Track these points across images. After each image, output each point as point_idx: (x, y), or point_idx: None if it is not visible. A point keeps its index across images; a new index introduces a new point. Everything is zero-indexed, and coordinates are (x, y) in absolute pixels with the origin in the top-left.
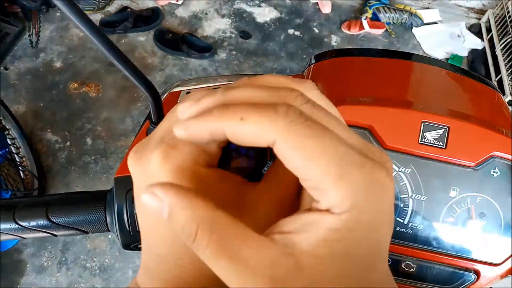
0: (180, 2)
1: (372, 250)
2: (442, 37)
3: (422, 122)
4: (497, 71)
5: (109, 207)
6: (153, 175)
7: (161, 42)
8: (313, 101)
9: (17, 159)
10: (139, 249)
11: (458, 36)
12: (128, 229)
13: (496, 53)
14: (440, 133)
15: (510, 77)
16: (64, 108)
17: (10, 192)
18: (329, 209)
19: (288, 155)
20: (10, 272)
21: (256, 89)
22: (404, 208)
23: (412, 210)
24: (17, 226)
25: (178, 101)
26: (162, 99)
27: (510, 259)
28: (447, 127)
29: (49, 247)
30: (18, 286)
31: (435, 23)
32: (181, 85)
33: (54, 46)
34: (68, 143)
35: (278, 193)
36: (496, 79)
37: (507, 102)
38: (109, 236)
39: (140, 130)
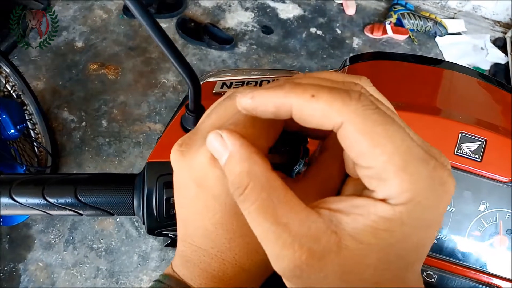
0: None
1: (416, 249)
2: (465, 49)
3: (460, 133)
4: None
5: (138, 190)
6: (199, 171)
7: (182, 30)
8: (374, 94)
9: (33, 135)
10: (163, 235)
11: (482, 48)
12: (155, 214)
13: None
14: (477, 145)
15: None
16: (82, 88)
17: (24, 167)
18: (386, 199)
19: (355, 139)
20: (18, 246)
21: (322, 80)
22: None
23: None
24: (45, 202)
25: (214, 91)
26: None
27: None
28: (485, 140)
29: (58, 225)
30: (25, 260)
31: (459, 33)
32: (215, 76)
33: (77, 25)
34: (83, 123)
35: (321, 188)
36: None
37: None
38: (117, 219)
39: (173, 117)
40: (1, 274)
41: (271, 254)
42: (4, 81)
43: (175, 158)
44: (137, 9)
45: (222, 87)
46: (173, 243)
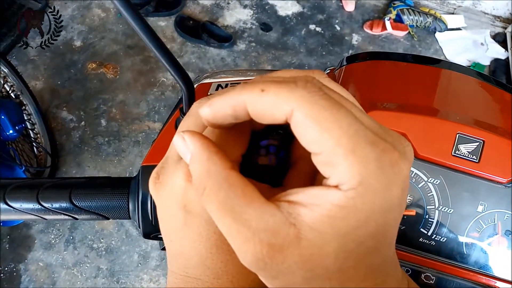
0: None
1: (376, 234)
2: (465, 44)
3: (457, 134)
4: None
5: (133, 194)
6: (182, 196)
7: (181, 28)
8: (328, 85)
9: (32, 135)
10: (159, 238)
11: (482, 44)
12: (150, 218)
13: None
14: (475, 146)
15: None
16: (81, 87)
17: (23, 168)
18: (338, 185)
19: (304, 126)
20: (18, 246)
21: (274, 77)
22: (430, 220)
23: (437, 222)
24: (40, 207)
25: (209, 93)
26: None
27: None
28: (482, 140)
29: (57, 224)
30: (26, 260)
31: (459, 29)
32: (211, 77)
33: (75, 25)
34: (82, 123)
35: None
36: None
37: None
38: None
39: (168, 120)
40: (2, 275)
41: (236, 249)
42: (2, 82)
43: (155, 191)
44: (128, 12)
45: (217, 89)
46: None
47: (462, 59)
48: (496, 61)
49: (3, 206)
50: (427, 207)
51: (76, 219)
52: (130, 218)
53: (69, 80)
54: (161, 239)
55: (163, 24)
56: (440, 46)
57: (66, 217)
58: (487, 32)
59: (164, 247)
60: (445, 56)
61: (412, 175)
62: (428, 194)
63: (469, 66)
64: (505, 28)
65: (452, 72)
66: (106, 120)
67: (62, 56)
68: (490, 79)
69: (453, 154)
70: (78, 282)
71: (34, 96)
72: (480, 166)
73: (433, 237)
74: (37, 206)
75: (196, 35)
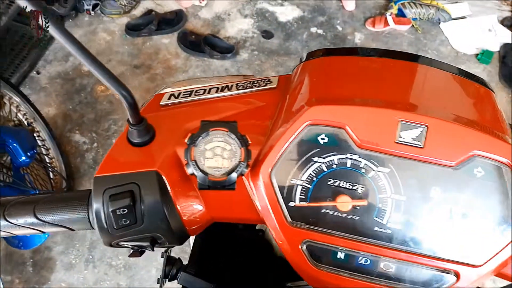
0: (203, 4)
1: None
2: (472, 32)
3: (399, 121)
4: None
5: (91, 205)
6: None
7: (184, 43)
8: None
9: (47, 160)
10: (120, 246)
11: (489, 30)
12: (106, 227)
13: None
14: (419, 132)
15: None
16: (92, 110)
17: (38, 192)
18: None
19: None
20: (41, 268)
21: None
22: (383, 208)
23: (391, 210)
24: (6, 223)
25: (161, 103)
26: (149, 100)
27: (491, 260)
28: (426, 126)
29: (77, 245)
30: (49, 282)
31: (464, 17)
32: (169, 87)
33: None
34: (95, 144)
35: None
36: None
37: None
38: None
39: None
40: None
41: None
42: (15, 111)
43: None
44: (61, 34)
45: (169, 98)
46: (136, 253)
47: (470, 48)
48: (505, 46)
49: None
50: (379, 196)
51: (43, 232)
52: (93, 228)
53: (80, 104)
54: (122, 246)
55: (167, 41)
56: (446, 37)
57: (33, 231)
58: (494, 17)
59: (131, 253)
60: (451, 46)
61: (361, 166)
62: (379, 183)
63: (478, 54)
64: None
65: (404, 63)
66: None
67: (72, 82)
68: (448, 67)
69: (396, 141)
70: None
71: (47, 122)
72: (426, 151)
73: (388, 226)
74: (4, 222)
75: (199, 49)
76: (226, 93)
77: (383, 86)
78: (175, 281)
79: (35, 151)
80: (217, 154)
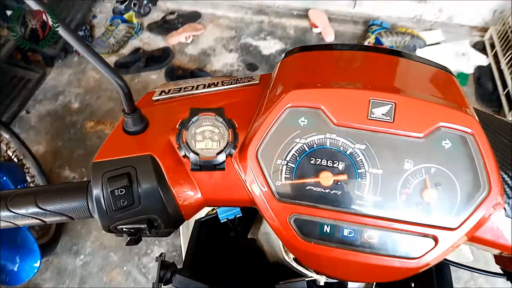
0: (189, 41)
1: None
2: (447, 56)
3: (370, 99)
4: (504, 85)
5: (90, 193)
6: None
7: (172, 79)
8: None
9: None
10: (119, 231)
11: (463, 54)
12: (105, 209)
13: (502, 67)
14: (388, 108)
15: None
16: (81, 146)
17: (27, 226)
18: None
19: None
20: None
21: None
22: (362, 182)
23: (370, 183)
24: (10, 213)
25: (153, 98)
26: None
27: (465, 223)
28: (394, 102)
29: (67, 281)
30: None
31: (438, 43)
32: (158, 88)
33: (72, 88)
34: (84, 179)
35: None
36: (504, 93)
37: None
38: (124, 268)
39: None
40: None
41: None
42: (5, 148)
43: None
44: (67, 32)
45: (160, 94)
46: (132, 241)
47: None
48: (479, 68)
49: None
50: (358, 170)
51: (45, 221)
52: (92, 217)
53: (70, 140)
54: (121, 231)
55: (155, 77)
56: None
57: (36, 220)
58: (467, 42)
59: (129, 241)
60: None
61: (339, 144)
62: (357, 159)
63: None
64: (483, 36)
65: (372, 54)
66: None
67: (62, 119)
68: (411, 56)
69: (368, 118)
70: None
71: (36, 159)
72: (396, 125)
73: (368, 197)
74: (8, 213)
75: None
76: (212, 88)
77: (354, 73)
78: (170, 284)
79: (25, 184)
80: (206, 137)
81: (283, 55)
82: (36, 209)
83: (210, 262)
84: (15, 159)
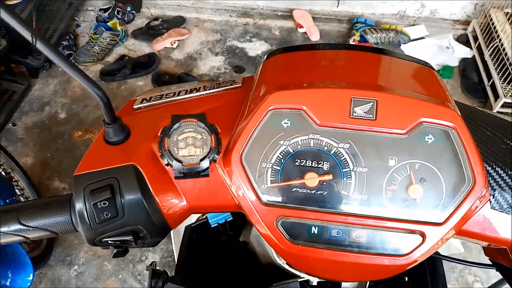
0: (175, 46)
1: None
2: (432, 50)
3: (352, 98)
4: (489, 76)
5: (73, 207)
6: None
7: (158, 84)
8: None
9: None
10: (104, 244)
11: (447, 47)
12: (89, 222)
13: (485, 59)
14: (369, 106)
15: (501, 80)
16: (70, 155)
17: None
18: None
19: None
20: None
21: None
22: (348, 181)
23: (355, 182)
24: None
25: (134, 106)
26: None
27: (452, 217)
28: (375, 100)
29: None
30: None
31: (422, 38)
32: (141, 95)
33: (58, 98)
34: (67, 193)
35: None
36: (489, 84)
37: (502, 104)
38: (119, 276)
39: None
40: None
41: None
42: None
43: None
44: (43, 44)
45: (142, 102)
46: (119, 253)
47: (432, 64)
48: (464, 60)
49: None
50: (343, 170)
51: (28, 238)
52: (77, 231)
53: (58, 150)
54: (106, 244)
55: (142, 83)
56: None
57: (18, 237)
58: (450, 35)
59: (115, 253)
60: None
61: (323, 144)
62: (342, 158)
63: (439, 70)
64: (466, 29)
65: (352, 52)
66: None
67: (49, 130)
68: (391, 53)
69: (351, 116)
70: None
71: (25, 171)
72: (378, 123)
73: (354, 197)
74: None
75: None
76: (194, 94)
77: (336, 72)
78: None
79: (14, 198)
80: (189, 143)
81: (264, 56)
82: (18, 226)
83: (203, 268)
84: (3, 173)
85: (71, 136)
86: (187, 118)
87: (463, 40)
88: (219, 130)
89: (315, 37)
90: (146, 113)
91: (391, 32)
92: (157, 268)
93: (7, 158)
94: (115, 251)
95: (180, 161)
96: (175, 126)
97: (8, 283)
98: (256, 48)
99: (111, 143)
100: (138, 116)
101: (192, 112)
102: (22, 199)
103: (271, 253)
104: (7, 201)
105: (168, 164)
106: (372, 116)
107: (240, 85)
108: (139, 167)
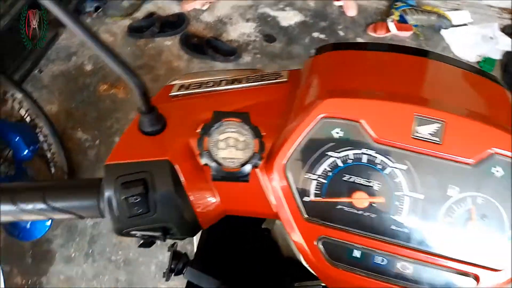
0: (205, 8)
1: None
2: (473, 39)
3: (415, 115)
4: None
5: (102, 193)
6: None
7: (187, 46)
8: None
9: (49, 155)
10: (131, 235)
11: (491, 38)
12: (118, 215)
13: None
14: (436, 127)
15: None
16: (94, 108)
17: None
18: None
19: None
20: (40, 260)
21: None
22: (400, 206)
23: (408, 208)
24: (15, 208)
25: (171, 94)
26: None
27: None
28: (443, 121)
29: (77, 239)
30: (48, 274)
31: (465, 24)
32: (179, 79)
33: (85, 50)
34: (97, 142)
35: None
36: None
37: None
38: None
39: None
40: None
41: None
42: (18, 107)
43: None
44: (75, 24)
45: (179, 90)
46: (145, 244)
47: (471, 55)
48: (507, 54)
49: None
50: (396, 193)
51: (53, 218)
52: (103, 217)
53: (83, 102)
54: (134, 235)
55: (169, 43)
56: (447, 43)
57: (42, 217)
58: (495, 25)
59: (141, 244)
60: (453, 53)
61: (377, 162)
62: (396, 180)
63: (479, 62)
64: None
65: (418, 58)
66: (120, 137)
67: (75, 80)
68: (462, 64)
69: (413, 136)
70: None
71: (49, 118)
72: (444, 148)
73: (405, 224)
74: (13, 208)
75: (201, 51)
76: (236, 85)
77: (395, 80)
78: (181, 275)
79: (37, 146)
80: (230, 145)
81: (313, 51)
82: (43, 206)
83: (223, 254)
84: (28, 119)
85: (96, 89)
86: (230, 117)
87: (509, 31)
88: (263, 133)
89: (351, 12)
90: (183, 102)
91: (433, 15)
92: (178, 250)
93: (32, 104)
94: (141, 242)
95: (219, 164)
96: (217, 125)
97: (28, 226)
98: (289, 18)
99: (146, 133)
100: (174, 105)
101: (234, 107)
102: (45, 146)
103: (294, 248)
104: (30, 148)
105: (206, 165)
106: (438, 140)
107: (286, 79)
108: (174, 164)
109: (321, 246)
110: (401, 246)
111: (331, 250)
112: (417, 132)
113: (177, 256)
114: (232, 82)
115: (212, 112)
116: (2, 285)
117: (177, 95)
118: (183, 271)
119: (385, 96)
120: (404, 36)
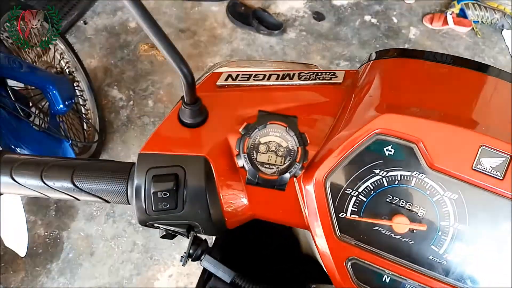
0: None
1: None
2: None
3: (481, 146)
4: None
5: (131, 181)
6: None
7: (232, 14)
8: None
9: (83, 111)
10: (155, 227)
11: None
12: (144, 207)
13: None
14: (500, 161)
15: None
16: (132, 68)
17: (70, 141)
18: None
19: None
20: (63, 215)
21: None
22: (443, 237)
23: (451, 240)
24: (42, 184)
25: (217, 84)
26: (204, 77)
27: None
28: (509, 156)
29: None
30: (69, 229)
31: None
32: (225, 66)
33: None
34: (131, 102)
35: None
36: None
37: None
38: None
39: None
40: (47, 239)
41: None
42: (59, 58)
43: None
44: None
45: (226, 80)
46: (168, 235)
47: None
48: None
49: (9, 180)
50: (441, 223)
51: (78, 199)
52: (129, 204)
53: (122, 60)
54: (157, 228)
55: (216, 9)
56: (506, 45)
57: (68, 197)
58: None
59: (164, 235)
60: (511, 56)
61: (427, 187)
62: (443, 209)
63: None
64: None
65: (491, 78)
66: (154, 101)
67: (117, 37)
68: None
69: (473, 168)
70: (115, 255)
71: (87, 73)
72: (505, 184)
73: (444, 256)
74: (40, 183)
75: (247, 21)
76: (287, 81)
77: (461, 100)
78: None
79: (73, 100)
80: (271, 149)
81: (373, 53)
82: (71, 185)
83: (241, 244)
84: (67, 71)
85: (137, 48)
86: (276, 120)
87: None
88: (309, 141)
89: None
90: (229, 93)
91: (497, 13)
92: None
93: (73, 57)
94: (164, 233)
95: (256, 169)
96: (260, 127)
97: None
98: None
99: (186, 124)
100: (219, 96)
101: (281, 106)
102: (80, 101)
103: (314, 248)
104: (66, 102)
105: (242, 167)
106: (499, 175)
107: (340, 81)
108: (210, 161)
109: (349, 267)
110: (436, 279)
111: (360, 273)
112: (480, 164)
113: (197, 242)
114: (283, 77)
115: (257, 111)
116: (26, 234)
117: (223, 85)
118: (201, 258)
119: (449, 118)
120: (461, 31)
